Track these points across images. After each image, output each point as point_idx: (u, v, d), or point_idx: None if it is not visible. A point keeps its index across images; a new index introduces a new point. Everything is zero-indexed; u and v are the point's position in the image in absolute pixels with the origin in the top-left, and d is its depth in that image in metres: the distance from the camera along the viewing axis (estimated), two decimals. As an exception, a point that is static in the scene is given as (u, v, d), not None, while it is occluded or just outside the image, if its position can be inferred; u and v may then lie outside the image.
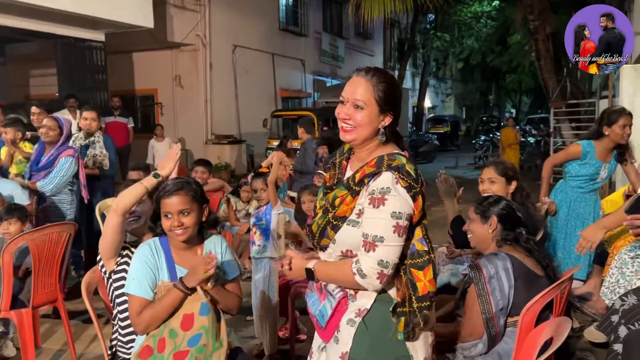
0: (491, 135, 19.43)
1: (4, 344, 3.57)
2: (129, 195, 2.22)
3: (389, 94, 1.66)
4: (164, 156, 2.38)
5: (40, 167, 4.40)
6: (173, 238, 2.09)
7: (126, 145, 9.37)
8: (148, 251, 2.10)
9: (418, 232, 1.66)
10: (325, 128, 11.66)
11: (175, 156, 2.32)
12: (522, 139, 14.97)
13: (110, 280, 2.32)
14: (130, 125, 9.62)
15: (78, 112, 7.56)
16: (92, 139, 4.93)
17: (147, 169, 4.23)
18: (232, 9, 12.47)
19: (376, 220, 1.58)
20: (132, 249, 2.30)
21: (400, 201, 1.58)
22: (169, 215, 2.04)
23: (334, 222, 1.66)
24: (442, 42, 25.23)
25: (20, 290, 3.38)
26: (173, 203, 2.04)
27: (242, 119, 12.90)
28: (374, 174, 1.62)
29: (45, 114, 5.28)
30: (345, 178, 1.73)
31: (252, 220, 3.56)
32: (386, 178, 1.60)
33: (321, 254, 1.76)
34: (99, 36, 9.47)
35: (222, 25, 12.13)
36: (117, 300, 2.30)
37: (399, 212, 1.57)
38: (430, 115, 28.71)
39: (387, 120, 1.68)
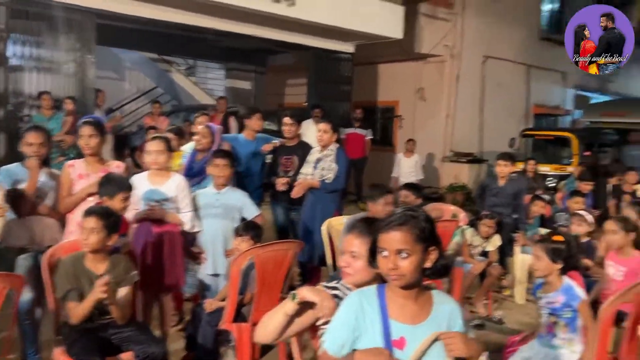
0: None
1: (225, 351, 3.57)
2: (269, 325, 1.87)
3: None
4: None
5: (194, 172, 4.39)
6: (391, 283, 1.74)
7: (362, 157, 9.36)
8: (357, 301, 1.76)
9: None
10: (586, 153, 9.87)
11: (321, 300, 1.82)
12: None
13: None
14: (368, 137, 9.62)
15: (321, 123, 7.68)
16: (325, 152, 4.73)
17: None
18: (488, 16, 11.45)
19: None
20: (343, 290, 1.99)
21: None
22: (385, 254, 1.69)
23: None
24: None
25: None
26: (390, 240, 1.68)
27: (485, 137, 11.83)
28: None
29: (297, 126, 5.17)
30: None
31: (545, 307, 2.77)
32: None
33: None
34: (348, 48, 9.71)
35: (474, 34, 11.28)
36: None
37: None
38: None
39: None
